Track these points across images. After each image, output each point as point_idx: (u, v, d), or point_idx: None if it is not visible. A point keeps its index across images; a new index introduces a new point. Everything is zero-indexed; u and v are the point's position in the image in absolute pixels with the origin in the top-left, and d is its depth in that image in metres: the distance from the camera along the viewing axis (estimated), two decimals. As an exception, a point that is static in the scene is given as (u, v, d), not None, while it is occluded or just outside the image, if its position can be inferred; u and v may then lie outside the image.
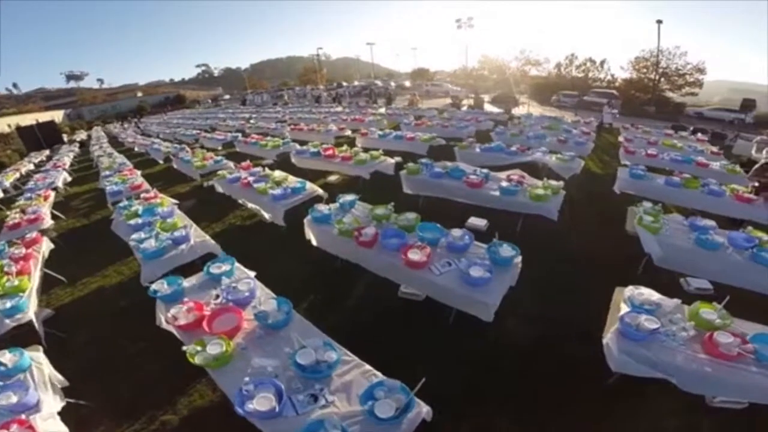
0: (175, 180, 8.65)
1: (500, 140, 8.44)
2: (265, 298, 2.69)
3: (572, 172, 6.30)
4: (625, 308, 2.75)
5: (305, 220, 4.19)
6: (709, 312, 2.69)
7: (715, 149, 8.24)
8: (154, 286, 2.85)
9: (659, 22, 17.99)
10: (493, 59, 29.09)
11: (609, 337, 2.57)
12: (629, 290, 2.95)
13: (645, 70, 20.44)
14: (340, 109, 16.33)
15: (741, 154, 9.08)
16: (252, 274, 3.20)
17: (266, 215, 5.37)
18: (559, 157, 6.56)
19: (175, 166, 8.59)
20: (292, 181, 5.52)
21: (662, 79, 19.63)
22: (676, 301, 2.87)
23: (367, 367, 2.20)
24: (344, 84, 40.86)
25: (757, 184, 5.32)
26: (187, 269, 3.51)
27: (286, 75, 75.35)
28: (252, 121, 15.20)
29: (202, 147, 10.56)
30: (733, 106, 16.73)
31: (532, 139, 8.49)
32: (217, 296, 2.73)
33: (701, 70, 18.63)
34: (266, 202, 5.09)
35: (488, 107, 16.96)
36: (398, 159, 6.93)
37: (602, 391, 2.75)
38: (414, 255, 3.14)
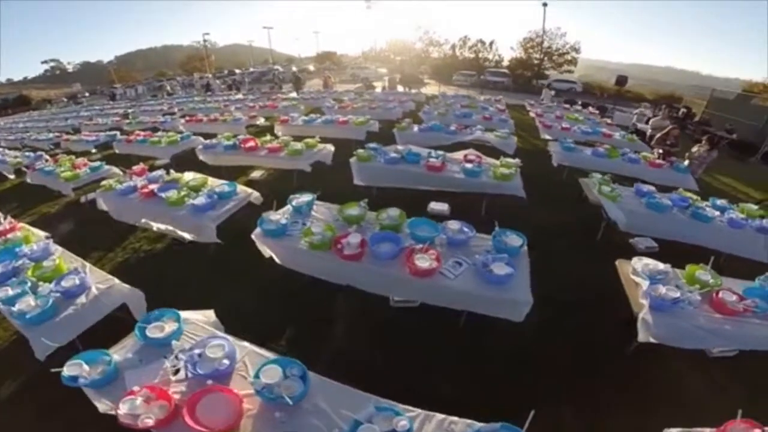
0: (36, 198, 6.35)
1: (428, 120, 8.33)
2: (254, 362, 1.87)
3: (512, 149, 6.45)
4: (642, 281, 2.71)
5: (254, 235, 3.21)
6: (703, 273, 2.82)
7: (609, 121, 9.49)
8: (67, 370, 1.78)
9: (545, 5, 20.39)
10: (400, 41, 29.49)
11: (644, 312, 2.48)
12: (635, 262, 2.95)
13: (532, 50, 23.00)
14: (240, 96, 14.36)
15: (620, 124, 10.65)
16: (211, 317, 2.31)
17: (186, 235, 3.85)
18: (498, 135, 6.67)
19: (31, 181, 6.26)
20: (215, 184, 4.35)
21: (546, 58, 22.37)
22: (668, 266, 2.97)
23: (438, 416, 1.65)
24: (237, 71, 36.92)
25: (661, 151, 6.16)
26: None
27: (164, 65, 66.38)
28: (131, 117, 12.35)
29: (68, 152, 8.03)
30: (588, 80, 20.06)
31: (460, 118, 8.56)
32: (176, 371, 1.81)
33: (576, 50, 21.79)
34: (185, 216, 3.76)
35: (399, 88, 16.94)
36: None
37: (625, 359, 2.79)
38: (423, 262, 2.61)
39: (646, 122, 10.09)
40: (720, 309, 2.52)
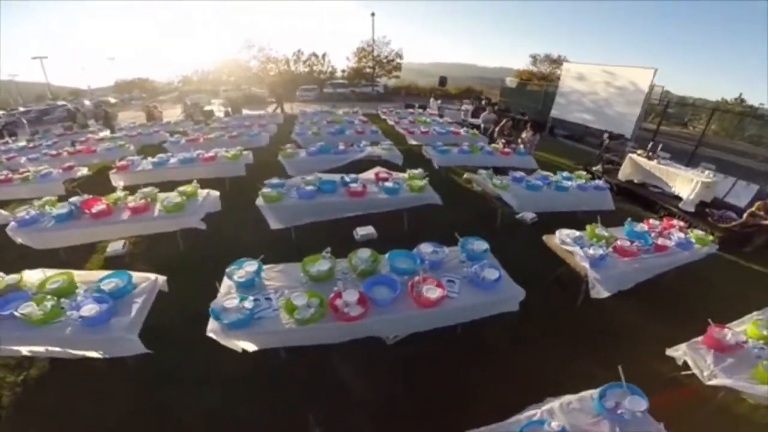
0: None
1: (304, 142, 8.10)
2: None
3: (400, 159, 6.93)
4: (575, 247, 3.42)
5: (212, 332, 2.40)
6: (599, 229, 3.76)
7: (448, 119, 11.25)
8: None
9: (372, 14, 22.09)
10: (232, 60, 26.58)
11: (591, 273, 3.13)
12: (559, 234, 3.69)
13: (365, 60, 24.84)
14: (22, 143, 10.37)
15: (454, 121, 12.79)
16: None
17: (94, 354, 2.48)
18: (384, 148, 7.04)
19: None
20: (88, 279, 2.94)
21: (377, 66, 24.58)
22: (574, 231, 3.82)
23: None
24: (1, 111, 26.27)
25: (504, 141, 7.74)
26: None
27: None
28: None
29: None
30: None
31: (336, 135, 8.62)
32: None
33: (400, 56, 24.70)
34: (73, 336, 2.40)
35: (244, 111, 15.61)
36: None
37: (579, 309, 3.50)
38: (432, 293, 2.55)
39: (472, 116, 12.45)
40: (624, 253, 3.42)
